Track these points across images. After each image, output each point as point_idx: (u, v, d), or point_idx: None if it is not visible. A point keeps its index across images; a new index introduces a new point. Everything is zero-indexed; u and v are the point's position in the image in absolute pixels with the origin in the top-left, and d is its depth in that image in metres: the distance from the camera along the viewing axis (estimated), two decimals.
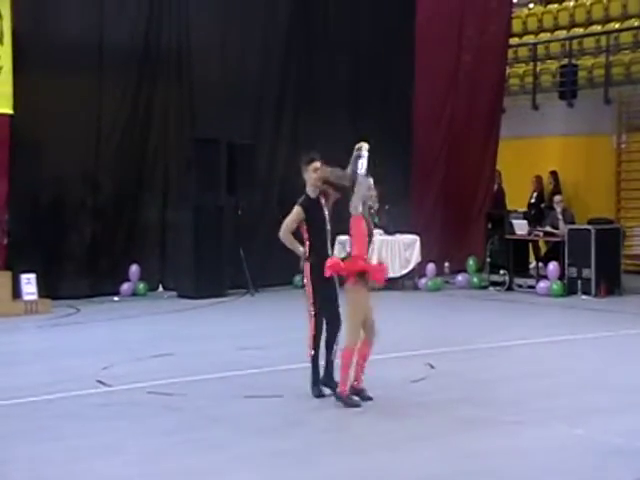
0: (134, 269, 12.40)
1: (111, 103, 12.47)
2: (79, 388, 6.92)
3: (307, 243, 6.59)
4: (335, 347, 6.52)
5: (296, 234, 6.64)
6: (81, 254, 12.20)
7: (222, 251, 12.44)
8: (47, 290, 11.29)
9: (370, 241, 6.43)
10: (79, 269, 12.11)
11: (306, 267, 6.57)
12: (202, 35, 13.13)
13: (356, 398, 6.25)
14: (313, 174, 6.58)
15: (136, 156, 12.72)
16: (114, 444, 5.53)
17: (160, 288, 12.85)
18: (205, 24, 13.20)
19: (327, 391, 6.49)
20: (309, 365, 6.60)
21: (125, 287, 12.37)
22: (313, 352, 6.52)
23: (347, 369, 6.23)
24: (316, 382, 6.56)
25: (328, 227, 6.65)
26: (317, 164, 6.62)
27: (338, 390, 6.25)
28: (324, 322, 6.52)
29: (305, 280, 6.64)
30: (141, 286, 12.48)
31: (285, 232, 6.60)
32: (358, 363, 6.35)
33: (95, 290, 12.12)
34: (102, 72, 12.32)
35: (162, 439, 5.63)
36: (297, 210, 6.60)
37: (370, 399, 6.29)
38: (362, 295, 6.25)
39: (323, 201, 6.67)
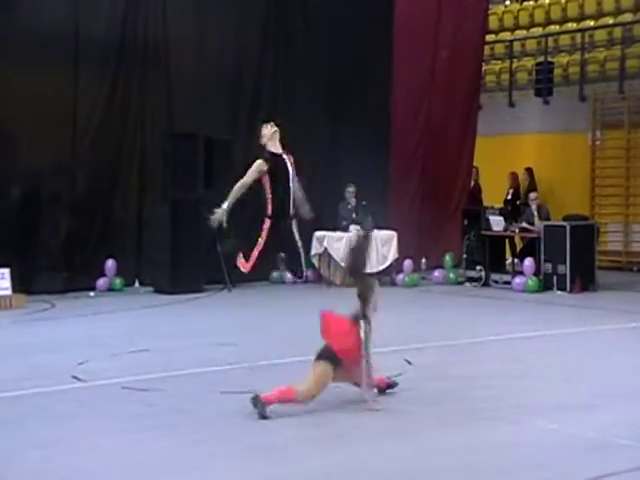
0: (110, 264, 12.32)
1: (87, 96, 12.37)
2: (53, 384, 6.87)
3: (269, 198, 6.50)
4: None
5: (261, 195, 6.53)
6: (56, 248, 12.11)
7: (199, 246, 12.39)
8: (22, 285, 11.18)
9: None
10: (54, 264, 12.01)
11: (265, 222, 6.53)
12: (179, 28, 13.06)
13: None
14: (271, 130, 6.59)
15: (112, 150, 12.63)
16: (88, 440, 5.49)
17: (136, 283, 12.78)
18: (182, 17, 13.13)
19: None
20: (288, 361, 6.57)
21: (101, 282, 12.29)
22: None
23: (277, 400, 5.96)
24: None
25: (292, 185, 6.55)
26: (271, 124, 6.64)
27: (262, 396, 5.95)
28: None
29: (262, 234, 6.57)
30: (117, 281, 12.41)
31: (239, 185, 6.48)
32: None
33: (71, 285, 12.04)
34: (78, 65, 12.22)
35: (137, 435, 5.60)
36: (258, 162, 6.48)
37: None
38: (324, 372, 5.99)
39: (286, 158, 6.60)
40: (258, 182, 6.49)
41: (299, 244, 6.64)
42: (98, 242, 12.45)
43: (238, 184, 6.47)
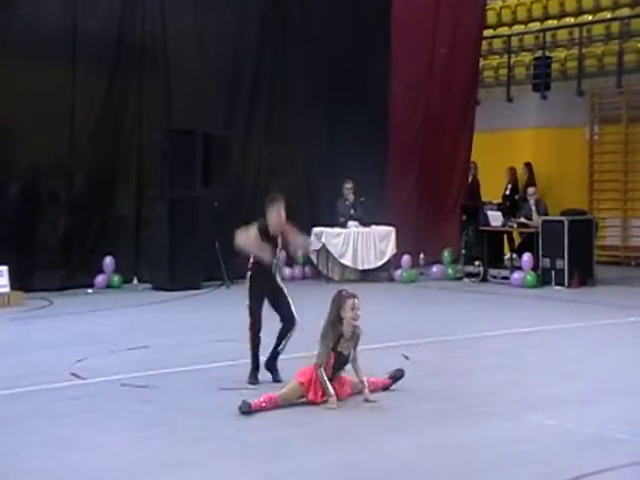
0: (108, 261, 12.32)
1: (85, 93, 12.37)
2: (52, 381, 6.87)
3: (252, 261, 6.80)
4: (284, 342, 6.75)
5: None
6: (54, 246, 12.11)
7: (197, 243, 12.40)
8: (20, 282, 11.18)
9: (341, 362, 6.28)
10: (52, 261, 12.01)
11: (248, 275, 6.85)
12: (177, 26, 13.06)
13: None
14: (276, 217, 6.76)
15: (110, 147, 12.63)
16: (87, 437, 5.49)
17: (135, 280, 12.78)
18: (180, 14, 13.12)
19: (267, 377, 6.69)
20: (285, 357, 6.60)
21: (99, 279, 12.29)
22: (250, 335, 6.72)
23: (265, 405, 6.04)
24: (255, 368, 6.74)
25: (276, 257, 6.84)
26: (281, 206, 6.79)
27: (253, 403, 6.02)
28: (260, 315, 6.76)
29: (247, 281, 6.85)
30: (115, 278, 12.41)
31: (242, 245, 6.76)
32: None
33: (69, 282, 12.04)
34: (76, 62, 12.23)
35: (135, 432, 5.60)
36: (254, 231, 6.77)
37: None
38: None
39: (279, 239, 6.82)
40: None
41: (285, 291, 6.92)
42: (96, 239, 12.46)
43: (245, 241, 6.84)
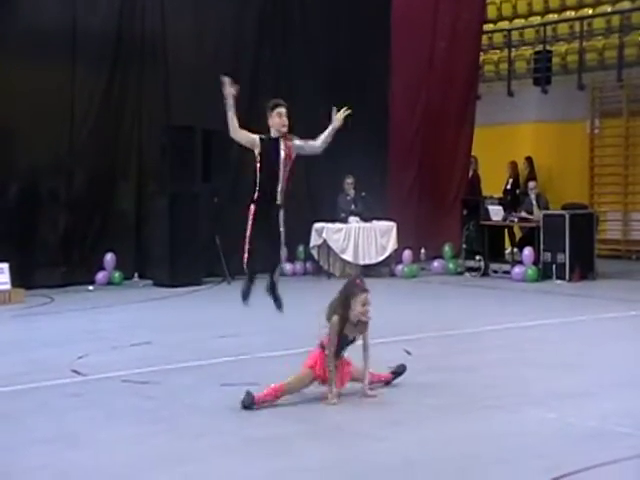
0: (109, 258, 12.32)
1: (84, 90, 12.36)
2: (53, 378, 6.87)
3: (257, 176, 6.50)
4: (277, 271, 6.65)
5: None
6: (55, 243, 12.11)
7: (198, 239, 12.39)
8: (20, 279, 11.18)
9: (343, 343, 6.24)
10: (53, 258, 12.02)
11: (251, 207, 6.55)
12: (176, 22, 13.04)
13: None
14: (277, 119, 6.49)
15: (110, 144, 12.62)
16: (88, 434, 5.50)
17: (136, 277, 12.79)
18: (179, 11, 13.10)
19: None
20: (287, 353, 6.58)
21: (100, 276, 12.29)
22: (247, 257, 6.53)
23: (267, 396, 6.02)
24: (247, 293, 6.62)
25: (281, 168, 6.53)
26: (282, 110, 6.51)
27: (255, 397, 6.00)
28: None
29: (249, 215, 6.56)
30: (116, 275, 12.41)
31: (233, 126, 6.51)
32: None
33: (70, 279, 12.04)
34: (75, 59, 12.21)
35: (137, 428, 5.60)
36: (254, 136, 6.52)
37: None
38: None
39: (282, 144, 6.53)
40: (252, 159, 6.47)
41: (282, 237, 6.60)
42: (97, 236, 12.45)
43: (233, 125, 6.47)
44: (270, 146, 6.51)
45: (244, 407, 5.90)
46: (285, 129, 6.54)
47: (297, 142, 6.62)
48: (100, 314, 10.17)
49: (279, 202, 6.57)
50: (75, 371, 7.09)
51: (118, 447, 5.24)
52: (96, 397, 6.39)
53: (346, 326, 6.16)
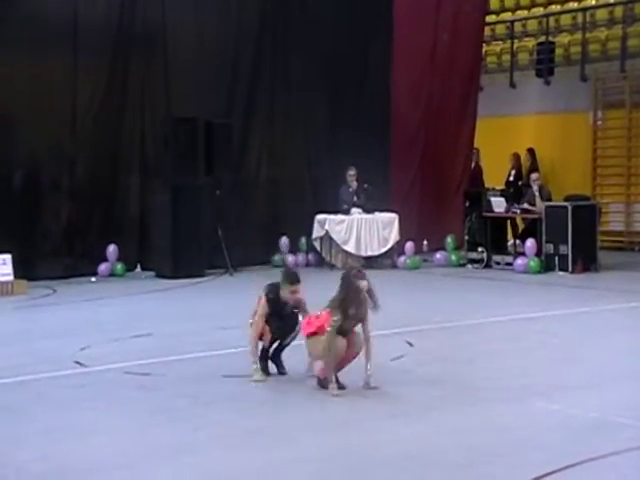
0: (112, 249, 12.33)
1: (86, 82, 12.34)
2: (56, 369, 6.88)
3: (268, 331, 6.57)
4: (291, 336, 6.58)
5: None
6: (57, 234, 12.11)
7: (200, 231, 12.39)
8: (23, 271, 11.18)
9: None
10: (55, 249, 12.02)
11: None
12: (177, 12, 13.01)
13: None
14: (290, 295, 6.50)
15: (113, 135, 12.60)
16: (90, 425, 5.51)
17: (138, 268, 12.78)
18: (180, 2, 13.06)
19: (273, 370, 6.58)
20: (297, 344, 6.57)
21: (103, 267, 12.29)
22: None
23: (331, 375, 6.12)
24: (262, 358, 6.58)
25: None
26: (297, 287, 6.50)
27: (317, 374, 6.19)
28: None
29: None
30: (119, 266, 12.42)
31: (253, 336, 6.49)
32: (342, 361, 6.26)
33: (72, 271, 12.04)
34: (77, 50, 12.18)
35: (138, 419, 5.61)
36: (263, 304, 6.51)
37: (343, 388, 6.17)
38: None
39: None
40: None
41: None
42: (99, 228, 12.45)
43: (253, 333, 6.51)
44: (278, 306, 6.53)
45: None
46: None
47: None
48: (102, 305, 10.18)
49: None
50: (77, 362, 7.10)
51: (119, 438, 5.24)
52: (98, 388, 6.40)
53: (345, 322, 6.15)
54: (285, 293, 6.50)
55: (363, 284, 6.14)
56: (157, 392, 6.26)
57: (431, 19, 15.11)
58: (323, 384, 6.15)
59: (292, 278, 6.56)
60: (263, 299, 6.51)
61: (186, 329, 8.61)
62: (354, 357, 6.24)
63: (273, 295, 6.51)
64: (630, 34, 16.27)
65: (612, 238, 15.56)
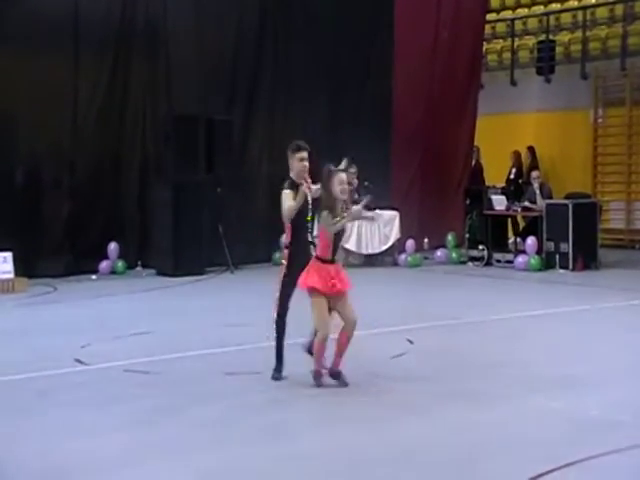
0: (112, 247, 12.33)
1: (88, 80, 12.34)
2: (56, 367, 6.89)
3: (289, 227, 6.51)
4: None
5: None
6: (58, 232, 12.11)
7: (201, 229, 12.39)
8: (24, 268, 11.19)
9: (338, 240, 6.37)
10: (56, 247, 12.02)
11: (285, 252, 6.54)
12: (179, 10, 13.00)
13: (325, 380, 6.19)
14: (298, 163, 6.44)
15: (114, 133, 12.61)
16: (90, 422, 5.52)
17: (139, 266, 12.79)
18: (180, 1, 13.06)
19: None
20: (289, 342, 6.57)
21: (103, 265, 12.30)
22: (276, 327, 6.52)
23: (320, 357, 6.20)
24: (280, 364, 6.47)
25: (310, 214, 6.54)
26: (304, 154, 6.47)
27: (313, 369, 6.24)
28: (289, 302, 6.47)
29: (283, 262, 6.56)
30: (120, 264, 12.42)
31: (290, 215, 6.41)
32: (338, 347, 6.25)
33: (73, 268, 12.04)
34: (78, 48, 12.20)
35: (139, 417, 5.62)
36: (287, 193, 6.41)
37: (346, 385, 6.18)
38: (321, 300, 6.18)
39: (307, 189, 6.51)
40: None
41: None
42: (100, 225, 12.45)
43: (289, 215, 6.42)
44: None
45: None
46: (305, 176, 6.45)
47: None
48: (103, 303, 10.19)
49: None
50: (78, 360, 7.11)
51: (121, 436, 5.25)
52: (99, 386, 6.40)
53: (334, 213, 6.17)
54: (294, 163, 6.38)
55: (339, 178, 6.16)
56: (158, 390, 6.26)
57: (432, 17, 15.10)
58: (318, 380, 6.17)
59: (296, 146, 6.50)
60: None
61: (187, 327, 8.62)
62: (348, 339, 6.22)
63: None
64: (630, 32, 16.27)
65: (613, 236, 15.56)
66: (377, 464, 4.74)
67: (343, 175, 6.25)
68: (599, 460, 4.72)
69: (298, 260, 6.37)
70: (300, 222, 6.44)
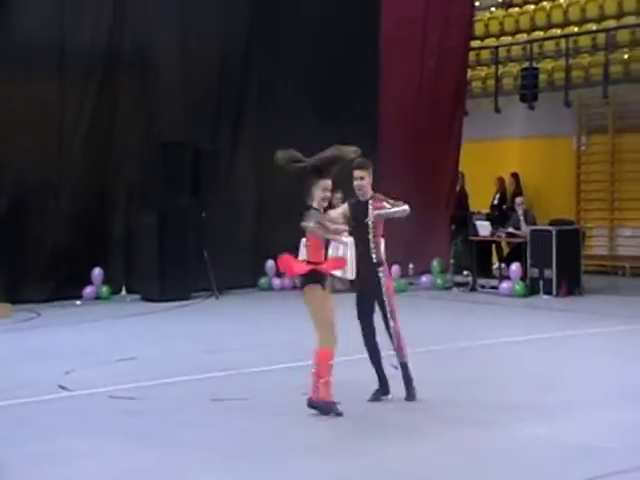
0: (97, 272, 12.29)
1: (73, 106, 12.35)
2: (40, 393, 6.83)
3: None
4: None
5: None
6: (43, 258, 12.04)
7: (187, 254, 12.38)
8: (7, 294, 11.13)
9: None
10: (41, 273, 11.95)
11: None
12: (164, 37, 13.06)
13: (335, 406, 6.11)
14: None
15: (99, 159, 12.59)
16: (74, 450, 5.47)
17: (124, 291, 12.74)
18: (166, 27, 13.12)
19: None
20: (275, 368, 6.57)
21: (88, 291, 12.24)
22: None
23: (326, 371, 6.07)
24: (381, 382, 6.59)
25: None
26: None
27: (312, 397, 6.10)
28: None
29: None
30: (104, 289, 12.37)
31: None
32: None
33: (57, 294, 11.97)
34: (63, 75, 12.20)
35: (125, 443, 5.58)
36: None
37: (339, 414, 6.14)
38: (321, 297, 6.19)
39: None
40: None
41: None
42: (85, 251, 12.38)
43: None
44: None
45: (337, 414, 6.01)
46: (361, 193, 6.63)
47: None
48: (87, 329, 10.13)
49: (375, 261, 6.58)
50: (62, 387, 7.06)
51: (105, 463, 5.20)
52: (83, 413, 6.36)
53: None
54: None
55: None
56: (143, 417, 6.22)
57: (418, 45, 15.23)
58: (318, 406, 6.08)
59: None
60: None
61: (172, 352, 8.58)
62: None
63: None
64: (612, 61, 16.48)
65: (596, 262, 15.65)
66: None
67: (329, 182, 6.27)
68: None
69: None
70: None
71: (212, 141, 13.17)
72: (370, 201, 6.64)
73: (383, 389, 6.59)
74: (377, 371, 6.60)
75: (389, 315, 6.57)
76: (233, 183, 13.74)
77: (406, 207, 6.72)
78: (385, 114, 14.89)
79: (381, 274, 6.62)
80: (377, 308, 6.61)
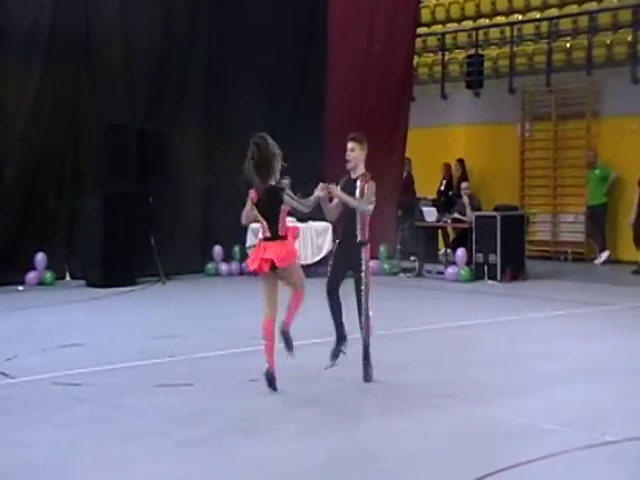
0: (40, 257, 12.08)
1: (14, 88, 12.12)
2: None
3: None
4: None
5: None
6: None
7: (132, 239, 12.24)
8: None
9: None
10: None
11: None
12: (108, 18, 12.87)
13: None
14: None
15: (44, 142, 12.36)
16: (18, 437, 5.39)
17: (68, 277, 12.56)
18: (108, 8, 12.91)
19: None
20: (220, 353, 6.56)
21: (31, 276, 12.04)
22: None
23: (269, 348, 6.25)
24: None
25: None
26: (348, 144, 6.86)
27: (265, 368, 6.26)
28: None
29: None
30: (48, 275, 12.17)
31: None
32: (289, 308, 6.46)
33: None
34: (3, 57, 11.95)
35: (70, 431, 5.52)
36: None
37: (291, 349, 6.36)
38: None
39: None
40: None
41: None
42: (27, 235, 12.18)
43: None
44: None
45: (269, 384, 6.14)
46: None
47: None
48: (30, 315, 9.96)
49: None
50: (3, 373, 6.94)
51: (51, 450, 5.14)
52: (26, 400, 6.27)
53: None
54: None
55: None
56: (88, 403, 6.16)
57: (364, 30, 15.24)
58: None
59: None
60: None
61: (117, 339, 8.50)
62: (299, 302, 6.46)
63: None
64: (555, 49, 16.72)
65: (539, 247, 15.93)
66: (307, 474, 4.75)
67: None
68: (528, 467, 4.82)
69: None
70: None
71: (158, 124, 13.01)
72: (359, 180, 6.77)
73: (341, 342, 6.76)
74: (335, 320, 6.65)
75: (363, 291, 6.65)
76: (180, 168, 13.62)
77: (370, 209, 6.79)
78: (333, 100, 14.88)
79: (363, 254, 6.63)
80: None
